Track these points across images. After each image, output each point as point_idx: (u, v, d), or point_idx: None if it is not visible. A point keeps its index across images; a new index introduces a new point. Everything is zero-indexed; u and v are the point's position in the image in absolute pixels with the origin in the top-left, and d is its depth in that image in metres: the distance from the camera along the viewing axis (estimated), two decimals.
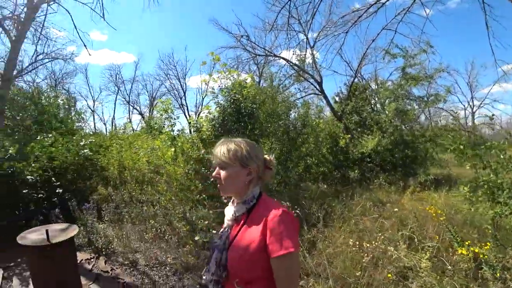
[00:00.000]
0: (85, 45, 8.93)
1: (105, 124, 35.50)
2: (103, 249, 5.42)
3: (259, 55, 16.50)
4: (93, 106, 34.87)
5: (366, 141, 11.99)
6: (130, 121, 29.47)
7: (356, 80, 15.93)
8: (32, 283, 3.66)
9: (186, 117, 32.31)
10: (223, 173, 1.57)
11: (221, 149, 1.58)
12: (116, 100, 35.94)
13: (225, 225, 1.65)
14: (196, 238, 4.63)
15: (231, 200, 1.69)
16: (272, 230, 1.40)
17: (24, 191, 6.06)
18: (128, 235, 5.71)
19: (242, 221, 1.55)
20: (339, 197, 7.55)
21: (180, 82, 35.21)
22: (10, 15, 9.04)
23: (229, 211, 1.65)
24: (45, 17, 8.98)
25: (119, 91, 36.26)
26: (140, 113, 35.85)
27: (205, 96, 34.46)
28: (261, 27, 16.17)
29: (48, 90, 12.26)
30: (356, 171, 11.19)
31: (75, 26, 8.70)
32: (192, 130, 6.94)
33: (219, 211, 5.18)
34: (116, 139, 10.00)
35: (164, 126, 7.37)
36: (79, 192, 7.02)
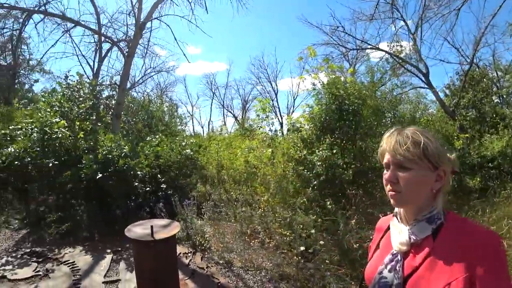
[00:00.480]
0: (184, 54, 10.05)
1: (202, 127, 38.62)
2: (200, 245, 5.58)
3: (354, 49, 15.09)
4: (192, 111, 38.19)
5: (490, 142, 9.96)
6: (225, 124, 31.44)
7: (470, 68, 13.19)
8: (135, 271, 3.90)
9: (278, 119, 32.70)
10: (404, 175, 1.09)
11: (402, 141, 1.10)
12: (211, 105, 38.71)
13: (394, 248, 1.14)
14: (302, 248, 4.18)
15: (396, 214, 1.22)
16: (483, 277, 0.90)
17: (135, 185, 6.71)
18: (225, 234, 5.72)
19: (427, 249, 1.04)
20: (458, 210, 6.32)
21: (271, 85, 35.76)
22: (124, 36, 10.66)
23: (398, 232, 1.16)
24: (150, 33, 10.28)
25: (214, 96, 38.76)
26: (234, 116, 37.80)
27: (296, 97, 34.18)
28: (353, 18, 14.59)
29: (155, 98, 13.76)
30: (477, 179, 9.09)
31: (175, 38, 9.85)
32: (290, 129, 6.73)
33: (326, 219, 4.76)
34: (214, 140, 10.55)
35: (260, 127, 7.45)
36: (180, 188, 7.53)
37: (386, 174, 1.14)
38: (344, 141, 6.03)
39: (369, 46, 14.50)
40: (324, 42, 14.66)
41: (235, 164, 8.05)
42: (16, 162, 6.34)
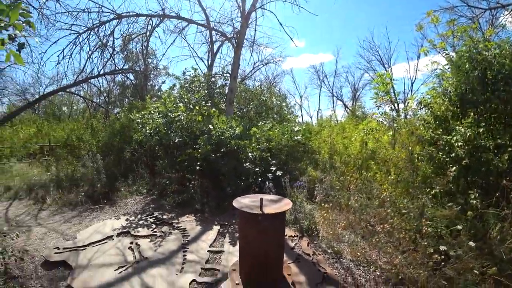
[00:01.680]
0: (291, 38, 9.44)
1: (311, 117, 37.76)
2: (308, 231, 5.12)
3: (490, 8, 11.91)
4: (300, 102, 37.62)
5: None
6: (334, 112, 29.95)
7: None
8: (238, 240, 3.66)
9: (394, 107, 29.15)
10: None
11: None
12: (320, 94, 37.51)
13: None
14: (442, 248, 3.25)
15: None
16: None
17: (246, 165, 6.70)
18: (335, 222, 5.15)
19: None
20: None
21: (384, 68, 32.02)
22: (232, 30, 11.15)
23: None
24: (255, 22, 10.43)
25: (323, 84, 37.15)
26: (344, 104, 35.66)
27: (414, 81, 29.55)
28: None
29: (265, 89, 13.95)
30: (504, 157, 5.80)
31: (280, 24, 9.36)
32: (416, 107, 5.54)
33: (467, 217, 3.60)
34: (325, 127, 9.96)
35: (379, 106, 6.49)
36: (290, 172, 7.22)
37: None
38: (492, 118, 4.59)
39: None
40: (447, 7, 11.99)
41: (350, 149, 7.25)
42: (147, 141, 7.29)
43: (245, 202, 3.45)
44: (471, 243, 3.17)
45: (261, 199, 3.32)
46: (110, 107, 16.71)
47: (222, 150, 6.57)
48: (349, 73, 45.87)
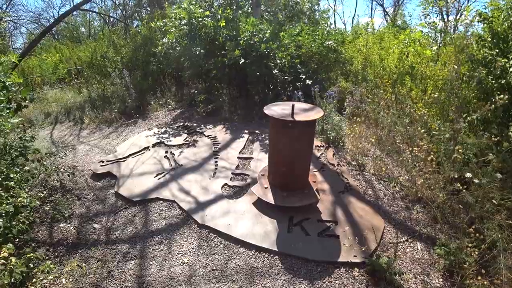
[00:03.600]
0: None
1: (344, 24, 33.98)
2: (334, 142, 5.13)
3: None
4: (334, 6, 33.75)
5: None
6: (372, 18, 26.80)
7: None
8: (268, 146, 3.76)
9: (443, 17, 25.21)
10: None
11: None
12: None
13: None
14: (468, 174, 3.08)
15: None
16: None
17: (274, 72, 6.44)
18: (362, 135, 5.10)
19: None
20: None
21: None
22: None
23: None
24: None
25: None
26: (384, 10, 31.65)
27: None
28: None
29: None
30: None
31: None
32: (472, 20, 4.71)
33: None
34: (361, 35, 9.09)
35: (426, 14, 5.71)
36: (320, 82, 6.94)
37: None
38: None
39: None
40: None
41: (386, 61, 6.68)
42: (170, 52, 7.10)
43: (276, 109, 3.41)
44: (498, 174, 3.02)
45: (293, 106, 3.24)
46: (128, 20, 16.00)
47: (252, 54, 6.30)
48: None
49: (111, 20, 17.71)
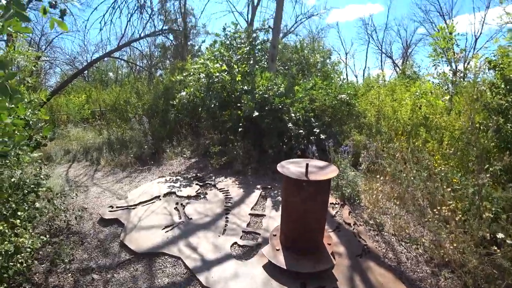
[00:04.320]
0: None
1: (356, 76, 34.55)
2: (350, 199, 4.92)
3: None
4: (345, 59, 34.77)
5: None
6: (382, 71, 27.26)
7: None
8: (281, 206, 3.57)
9: (452, 67, 25.38)
10: None
11: None
12: (367, 50, 34.14)
13: None
14: (500, 235, 2.84)
15: None
16: None
17: (288, 126, 6.45)
18: (379, 191, 4.86)
19: None
20: None
21: (444, 20, 27.59)
22: None
23: None
24: None
25: (371, 39, 32.78)
26: (394, 63, 32.28)
27: (479, 36, 24.53)
28: None
29: (308, 45, 13.03)
30: None
31: None
32: (482, 67, 4.73)
33: None
34: (372, 87, 9.22)
35: (436, 65, 5.77)
36: (334, 135, 6.89)
37: None
38: None
39: None
40: None
41: (399, 113, 6.64)
42: (188, 103, 7.37)
43: (290, 167, 3.30)
44: None
45: (307, 164, 3.13)
46: (153, 69, 16.94)
47: (266, 108, 6.37)
48: (401, 27, 40.62)
49: (137, 68, 18.75)
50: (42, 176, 3.72)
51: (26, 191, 3.44)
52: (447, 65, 5.97)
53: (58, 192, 4.09)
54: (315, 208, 3.19)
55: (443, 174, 4.21)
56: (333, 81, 8.41)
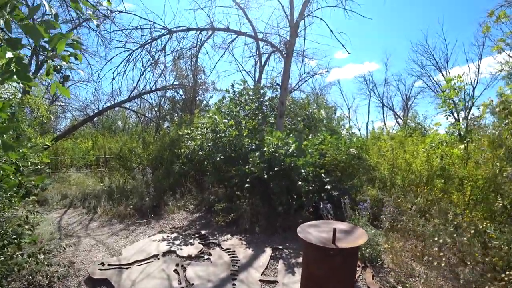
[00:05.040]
0: (343, 45, 8.43)
1: (359, 129, 34.71)
2: (371, 260, 4.30)
3: None
4: (348, 114, 35.23)
5: None
6: (385, 124, 27.34)
7: None
8: (301, 276, 2.99)
9: (454, 116, 25.46)
10: None
11: None
12: (369, 105, 34.30)
13: None
14: None
15: None
16: None
17: (298, 183, 6.01)
18: (403, 250, 4.35)
19: None
20: None
21: (441, 73, 28.34)
22: (280, 40, 10.84)
23: None
24: (304, 31, 9.82)
25: (372, 94, 33.41)
26: (396, 115, 32.53)
27: (476, 85, 24.80)
28: None
29: (312, 101, 13.19)
30: None
31: (331, 31, 8.46)
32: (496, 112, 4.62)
33: None
34: (379, 140, 8.98)
35: (448, 115, 5.59)
36: (345, 190, 6.42)
37: None
38: None
39: None
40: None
41: (414, 165, 6.29)
42: (194, 156, 7.06)
43: (312, 231, 2.81)
44: None
45: (334, 230, 2.63)
46: (160, 121, 17.02)
47: (275, 168, 5.94)
48: (399, 81, 42.08)
49: (146, 119, 18.86)
50: (27, 226, 3.23)
51: (6, 242, 2.96)
52: (453, 115, 5.83)
53: (41, 249, 3.53)
54: (343, 278, 2.64)
55: (474, 227, 3.83)
56: (342, 136, 8.16)
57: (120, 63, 9.95)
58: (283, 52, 9.47)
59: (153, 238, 5.13)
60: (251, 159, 5.97)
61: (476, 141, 5.46)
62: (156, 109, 17.98)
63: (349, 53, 9.00)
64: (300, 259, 4.33)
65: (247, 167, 6.04)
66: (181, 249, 4.64)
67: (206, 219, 6.27)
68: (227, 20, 25.81)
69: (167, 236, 5.23)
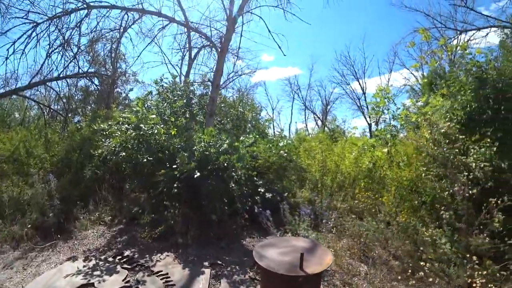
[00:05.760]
0: (279, 47, 8.30)
1: (282, 130, 36.57)
2: None
3: (470, 29, 11.95)
4: (273, 115, 36.36)
5: None
6: (306, 126, 29.16)
7: None
8: None
9: (366, 120, 29.17)
10: None
11: None
12: (292, 106, 36.16)
13: None
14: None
15: None
16: None
17: (231, 186, 5.50)
18: (340, 250, 4.36)
19: None
20: None
21: (359, 82, 31.57)
22: (216, 37, 10.04)
23: None
24: (242, 27, 9.28)
25: (297, 96, 35.22)
26: (318, 117, 34.73)
27: (386, 96, 29.65)
28: None
29: (241, 100, 12.85)
30: None
31: (269, 31, 8.20)
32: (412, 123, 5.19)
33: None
34: (306, 142, 9.12)
35: (377, 124, 5.94)
36: (278, 193, 6.21)
37: None
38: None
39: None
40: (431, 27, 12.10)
41: (343, 166, 6.51)
42: (112, 157, 5.79)
43: (272, 254, 2.37)
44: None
45: (302, 254, 2.23)
46: (70, 115, 14.30)
47: (209, 167, 5.31)
48: (321, 87, 45.63)
49: (51, 111, 15.80)
50: None
51: None
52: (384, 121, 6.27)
53: None
54: None
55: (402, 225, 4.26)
56: (273, 138, 7.98)
57: (19, 38, 7.70)
58: (218, 47, 8.75)
59: (63, 268, 4.03)
60: (178, 160, 5.20)
61: (399, 144, 5.83)
62: (64, 100, 15.05)
63: (284, 55, 8.85)
64: (245, 276, 3.89)
65: (175, 168, 5.27)
66: (102, 281, 3.69)
67: (128, 234, 5.28)
68: (159, 4, 23.41)
69: (80, 262, 4.19)
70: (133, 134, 5.70)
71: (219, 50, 8.16)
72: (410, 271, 3.56)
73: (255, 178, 6.08)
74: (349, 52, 41.57)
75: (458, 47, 6.45)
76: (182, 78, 10.68)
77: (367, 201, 5.17)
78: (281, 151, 6.73)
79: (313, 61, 55.89)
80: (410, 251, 4.02)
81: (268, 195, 5.78)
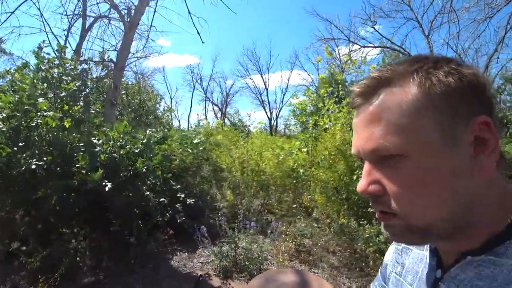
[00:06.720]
0: (198, 32, 7.20)
1: (179, 120, 33.51)
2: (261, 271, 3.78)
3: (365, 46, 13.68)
4: (171, 104, 33.02)
5: None
6: (206, 118, 28.24)
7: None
8: None
9: (267, 115, 30.08)
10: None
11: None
12: (192, 96, 33.98)
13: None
14: None
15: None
16: None
17: (146, 194, 4.40)
18: (278, 253, 4.24)
19: None
20: None
21: (262, 78, 31.66)
22: (126, 7, 8.08)
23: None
24: (156, 2, 7.87)
25: (196, 87, 34.29)
26: (220, 109, 33.62)
27: (286, 92, 30.70)
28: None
29: (140, 87, 11.06)
30: None
31: (189, 12, 6.97)
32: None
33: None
34: (216, 136, 8.52)
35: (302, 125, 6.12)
36: (199, 197, 5.50)
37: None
38: None
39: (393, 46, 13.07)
40: (330, 38, 13.52)
41: (267, 167, 6.28)
42: None
43: None
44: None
45: None
46: None
47: (120, 175, 4.12)
48: (222, 79, 44.42)
49: None
50: None
51: None
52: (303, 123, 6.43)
53: None
54: None
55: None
56: (188, 134, 7.08)
57: None
58: (126, 20, 6.97)
59: None
60: (79, 164, 3.84)
61: (321, 143, 5.98)
62: None
63: (203, 42, 7.80)
64: None
65: (72, 177, 3.87)
66: None
67: (6, 277, 3.59)
68: None
69: None
70: (6, 123, 3.79)
71: (127, 23, 6.51)
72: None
73: (172, 182, 5.21)
74: (255, 48, 43.40)
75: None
76: (72, 54, 7.96)
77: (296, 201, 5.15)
78: (196, 150, 6.02)
79: (217, 52, 54.16)
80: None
81: (190, 200, 5.02)
